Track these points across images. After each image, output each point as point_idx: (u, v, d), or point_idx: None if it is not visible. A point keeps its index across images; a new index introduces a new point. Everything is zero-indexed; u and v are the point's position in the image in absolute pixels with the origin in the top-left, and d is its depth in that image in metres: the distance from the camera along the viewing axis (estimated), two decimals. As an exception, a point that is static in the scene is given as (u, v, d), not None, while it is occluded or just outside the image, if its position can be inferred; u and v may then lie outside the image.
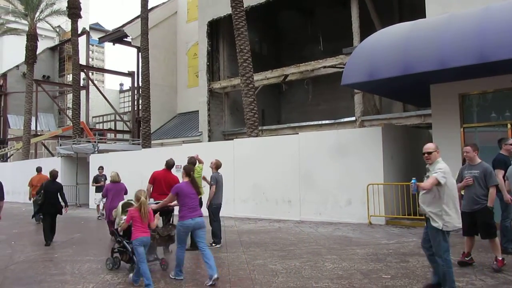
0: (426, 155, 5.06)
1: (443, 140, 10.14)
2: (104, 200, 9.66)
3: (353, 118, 17.25)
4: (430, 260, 5.15)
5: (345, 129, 15.53)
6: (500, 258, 6.10)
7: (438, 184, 4.79)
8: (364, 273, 6.12)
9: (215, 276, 5.68)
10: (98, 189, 14.48)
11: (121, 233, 6.51)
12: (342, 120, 18.00)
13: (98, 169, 15.25)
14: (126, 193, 8.80)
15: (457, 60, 8.26)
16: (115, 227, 6.66)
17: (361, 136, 11.73)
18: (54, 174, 10.17)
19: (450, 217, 4.81)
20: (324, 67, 17.94)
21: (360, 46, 10.40)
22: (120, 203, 6.91)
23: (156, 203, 6.91)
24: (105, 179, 13.91)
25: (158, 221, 6.57)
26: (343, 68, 11.78)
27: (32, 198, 13.49)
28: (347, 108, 18.93)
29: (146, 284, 5.47)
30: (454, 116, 10.13)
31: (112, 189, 9.08)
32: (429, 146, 5.12)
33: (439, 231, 4.84)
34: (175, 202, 6.31)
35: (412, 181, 4.90)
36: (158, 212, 6.84)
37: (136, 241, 5.72)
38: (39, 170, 14.19)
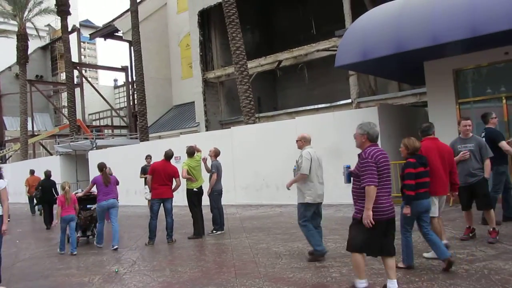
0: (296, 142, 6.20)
1: (439, 116, 10.17)
2: None
3: (349, 101, 17.26)
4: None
5: (341, 111, 15.53)
6: (491, 229, 6.19)
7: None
8: (368, 257, 6.18)
9: (116, 246, 7.88)
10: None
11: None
12: (338, 103, 18.00)
13: (146, 158, 13.19)
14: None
15: (450, 35, 8.24)
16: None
17: (357, 117, 11.73)
18: (48, 174, 12.54)
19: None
20: (318, 50, 17.89)
21: (352, 27, 10.37)
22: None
23: (82, 192, 9.28)
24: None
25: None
26: (336, 50, 11.75)
27: (28, 195, 16.03)
28: (342, 91, 18.92)
29: (60, 248, 8.07)
30: (449, 92, 10.14)
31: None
32: (298, 136, 6.31)
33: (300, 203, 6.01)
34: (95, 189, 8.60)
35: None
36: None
37: (62, 218, 7.99)
38: (32, 172, 16.16)
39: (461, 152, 6.30)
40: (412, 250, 5.28)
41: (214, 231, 8.72)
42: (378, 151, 4.34)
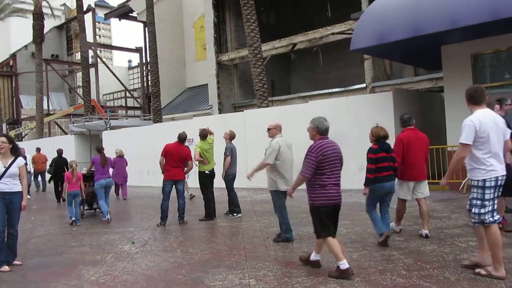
0: (267, 130, 6.49)
1: (456, 102, 9.98)
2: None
3: (363, 85, 17.05)
4: None
5: (355, 95, 15.37)
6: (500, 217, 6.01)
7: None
8: (377, 236, 6.17)
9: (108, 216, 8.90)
10: None
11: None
12: (352, 87, 17.81)
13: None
14: (126, 164, 12.01)
15: (469, 18, 8.05)
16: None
17: (372, 101, 11.62)
18: (60, 152, 13.63)
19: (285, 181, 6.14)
20: (333, 33, 17.65)
21: (369, 10, 10.18)
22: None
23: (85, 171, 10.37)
24: None
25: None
26: (351, 34, 11.57)
27: (34, 171, 16.50)
28: (357, 75, 18.68)
29: (70, 217, 8.86)
30: (467, 77, 9.94)
31: (118, 162, 12.51)
32: (269, 124, 6.56)
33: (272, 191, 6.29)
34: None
35: None
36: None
37: (68, 193, 8.83)
38: (38, 150, 16.87)
39: None
40: (380, 220, 5.80)
41: (234, 214, 8.75)
42: (326, 144, 4.68)
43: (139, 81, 34.95)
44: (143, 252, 6.22)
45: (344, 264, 4.43)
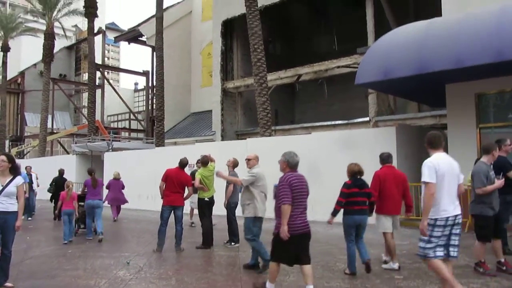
0: (246, 160, 6.87)
1: (459, 140, 10.01)
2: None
3: (367, 119, 17.11)
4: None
5: (358, 129, 15.40)
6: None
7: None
8: (377, 274, 6.07)
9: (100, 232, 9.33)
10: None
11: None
12: (356, 120, 17.86)
13: (197, 163, 10.80)
14: (123, 188, 12.49)
15: (474, 58, 8.13)
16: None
17: (374, 136, 11.62)
18: (61, 172, 14.00)
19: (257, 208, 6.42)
20: (338, 67, 17.83)
21: (375, 45, 10.32)
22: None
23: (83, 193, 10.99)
24: None
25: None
26: (357, 67, 11.68)
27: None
28: (361, 108, 18.78)
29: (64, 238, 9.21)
30: (470, 116, 9.97)
31: (113, 184, 13.19)
32: (249, 155, 7.01)
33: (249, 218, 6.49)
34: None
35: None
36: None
37: (63, 211, 9.32)
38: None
39: (499, 180, 6.05)
40: (354, 259, 6.07)
41: (232, 243, 8.63)
42: (294, 176, 5.07)
43: (144, 104, 35.20)
44: (138, 278, 6.11)
45: (271, 286, 5.15)
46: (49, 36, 28.73)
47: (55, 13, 29.44)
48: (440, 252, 4.52)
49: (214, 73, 22.69)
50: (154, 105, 24.66)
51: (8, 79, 35.20)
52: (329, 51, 21.22)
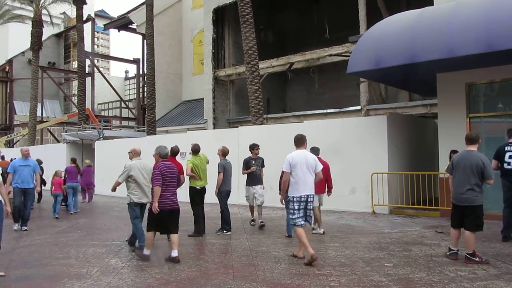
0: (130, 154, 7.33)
1: (449, 129, 10.10)
2: None
3: (358, 107, 17.18)
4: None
5: (350, 118, 15.45)
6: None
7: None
8: (367, 261, 6.14)
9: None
10: (251, 180, 9.55)
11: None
12: (347, 109, 17.93)
13: (254, 148, 9.74)
14: (93, 173, 15.47)
15: (465, 48, 8.17)
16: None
17: (366, 125, 11.68)
18: (39, 161, 14.01)
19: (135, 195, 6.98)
20: (330, 55, 17.82)
21: (367, 34, 10.31)
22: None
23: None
24: (261, 165, 9.90)
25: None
26: (349, 56, 11.69)
27: None
28: (352, 97, 18.84)
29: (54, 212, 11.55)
30: (460, 106, 10.05)
31: (86, 171, 15.12)
32: (131, 148, 7.46)
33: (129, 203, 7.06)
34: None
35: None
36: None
37: (54, 193, 11.81)
38: (2, 157, 16.82)
39: None
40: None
41: (224, 231, 8.68)
42: (165, 165, 6.50)
43: (135, 92, 34.90)
44: (130, 266, 6.12)
45: (147, 252, 6.42)
46: (37, 24, 28.25)
47: (42, 0, 28.92)
48: (301, 221, 6.19)
49: (206, 61, 22.56)
50: (145, 93, 24.50)
51: (-4, 67, 34.68)
52: (321, 40, 21.18)
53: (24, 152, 10.02)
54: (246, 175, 9.66)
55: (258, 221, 9.49)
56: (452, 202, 6.27)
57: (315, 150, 8.14)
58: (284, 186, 6.30)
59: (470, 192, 6.00)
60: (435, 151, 10.84)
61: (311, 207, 6.35)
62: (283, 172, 6.28)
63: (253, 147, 9.68)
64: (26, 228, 9.43)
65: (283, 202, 6.54)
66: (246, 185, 9.71)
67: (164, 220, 6.32)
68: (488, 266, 5.76)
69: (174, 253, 6.28)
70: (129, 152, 7.39)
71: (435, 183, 10.61)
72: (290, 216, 6.29)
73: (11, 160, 13.28)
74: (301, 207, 6.19)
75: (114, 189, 6.98)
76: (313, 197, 6.31)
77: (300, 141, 6.57)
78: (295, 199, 6.19)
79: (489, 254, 6.33)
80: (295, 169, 6.17)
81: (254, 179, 9.51)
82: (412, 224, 9.43)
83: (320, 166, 6.44)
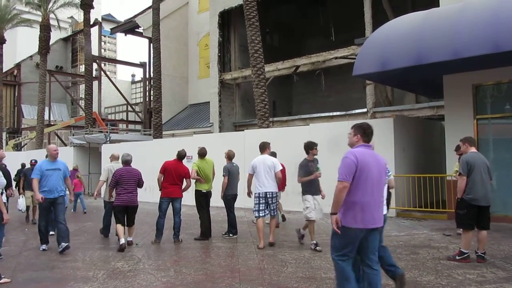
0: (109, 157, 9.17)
1: (456, 131, 10.01)
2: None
3: (364, 110, 17.10)
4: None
5: (356, 120, 15.38)
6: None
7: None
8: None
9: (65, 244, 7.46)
10: (311, 187, 7.53)
11: None
12: (353, 111, 17.85)
13: (313, 148, 7.69)
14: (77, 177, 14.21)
15: (472, 49, 8.12)
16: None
17: (372, 127, 11.62)
18: (23, 165, 14.37)
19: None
20: (336, 58, 17.78)
21: (373, 36, 10.28)
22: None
23: None
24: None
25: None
26: (355, 58, 11.65)
27: None
28: (358, 99, 18.76)
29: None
30: (468, 107, 9.99)
31: (72, 173, 14.17)
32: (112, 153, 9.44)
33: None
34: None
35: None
36: None
37: (76, 193, 12.45)
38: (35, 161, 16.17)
39: None
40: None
41: (230, 235, 8.66)
42: (123, 169, 7.87)
43: (142, 95, 35.02)
44: (136, 270, 6.13)
45: (121, 240, 7.46)
46: (45, 28, 28.51)
47: (50, 4, 29.15)
48: (263, 213, 7.55)
49: (212, 65, 22.59)
50: (152, 97, 24.56)
51: (4, 71, 34.92)
52: (326, 42, 21.14)
53: (52, 152, 7.74)
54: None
55: (312, 242, 7.35)
56: (471, 203, 6.12)
57: (273, 154, 8.73)
58: (248, 183, 7.86)
59: (490, 192, 6.23)
60: (442, 153, 10.77)
61: (275, 202, 7.67)
62: (249, 174, 7.69)
63: (311, 146, 7.53)
64: (67, 244, 7.34)
65: (250, 196, 7.96)
66: (304, 194, 7.43)
67: (122, 214, 7.76)
68: (497, 269, 5.71)
69: (129, 239, 7.94)
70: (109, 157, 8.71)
71: (443, 185, 10.54)
72: (253, 209, 7.67)
73: (31, 162, 11.66)
74: (262, 201, 7.56)
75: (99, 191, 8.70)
76: (274, 194, 7.60)
77: (262, 148, 7.86)
78: (261, 195, 7.56)
79: (498, 257, 6.28)
80: (257, 171, 7.56)
81: (314, 186, 7.48)
82: (419, 227, 9.37)
83: (279, 167, 7.60)
